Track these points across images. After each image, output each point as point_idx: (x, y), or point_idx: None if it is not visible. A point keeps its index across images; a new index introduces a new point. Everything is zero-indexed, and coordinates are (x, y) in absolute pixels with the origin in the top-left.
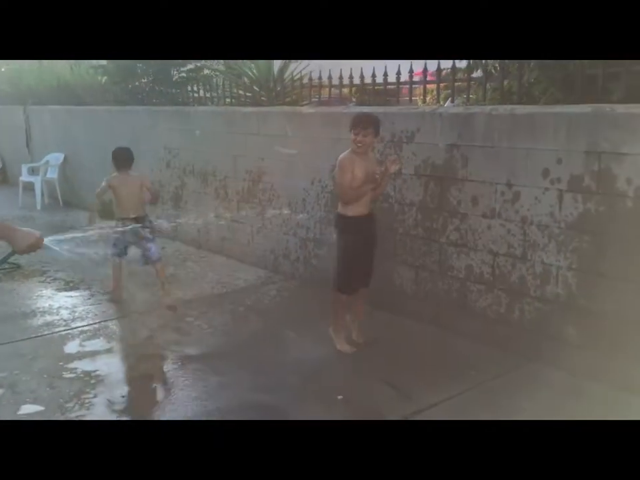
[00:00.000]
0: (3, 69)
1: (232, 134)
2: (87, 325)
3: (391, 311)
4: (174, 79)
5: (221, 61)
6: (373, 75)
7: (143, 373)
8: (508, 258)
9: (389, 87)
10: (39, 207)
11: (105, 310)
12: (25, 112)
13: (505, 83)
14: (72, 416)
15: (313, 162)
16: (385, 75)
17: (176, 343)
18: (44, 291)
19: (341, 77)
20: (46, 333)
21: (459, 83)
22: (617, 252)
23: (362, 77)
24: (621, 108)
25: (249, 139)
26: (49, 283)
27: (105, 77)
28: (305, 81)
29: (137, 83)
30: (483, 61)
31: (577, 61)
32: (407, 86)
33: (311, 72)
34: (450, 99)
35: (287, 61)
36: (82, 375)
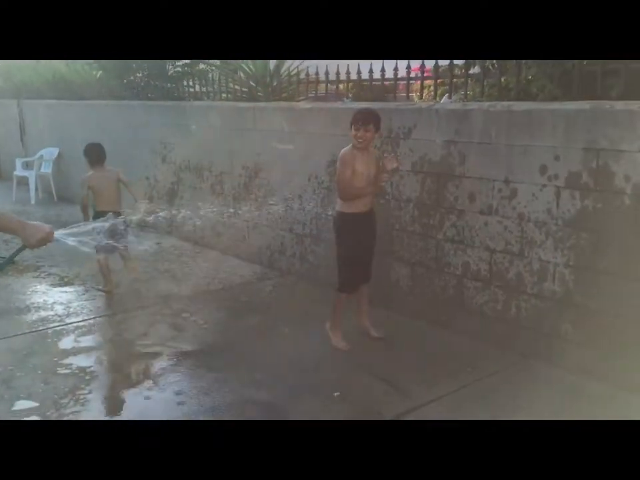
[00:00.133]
0: None
1: (228, 129)
2: (81, 321)
3: (386, 307)
4: (169, 74)
5: None
6: (370, 71)
7: (137, 369)
8: (505, 255)
9: (386, 82)
10: (33, 202)
11: (100, 306)
12: (19, 106)
13: (503, 79)
14: (67, 412)
15: (309, 157)
16: (382, 70)
17: (172, 338)
18: (38, 287)
19: (337, 73)
20: (40, 328)
21: (457, 80)
22: (614, 249)
23: (359, 72)
24: (619, 105)
25: (245, 134)
26: (44, 278)
27: (100, 72)
28: (302, 76)
29: (132, 78)
30: None
31: None
32: (403, 82)
33: (307, 67)
34: (447, 95)
35: None
36: (77, 371)
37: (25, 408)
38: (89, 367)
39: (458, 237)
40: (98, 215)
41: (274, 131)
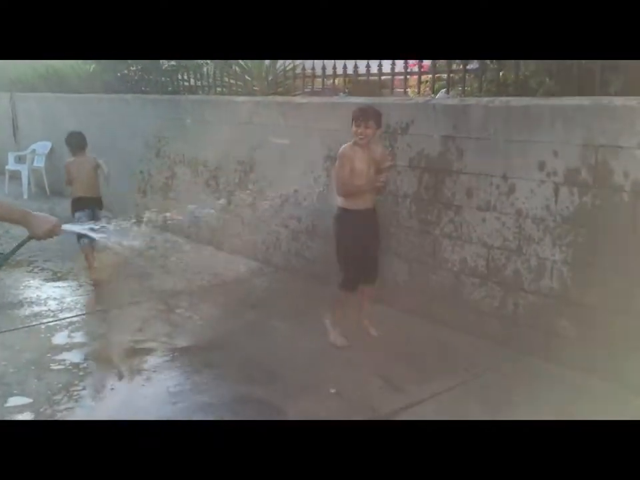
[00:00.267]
0: None
1: (223, 123)
2: (75, 316)
3: (383, 303)
4: (163, 67)
5: None
6: (367, 65)
7: (132, 365)
8: (502, 251)
9: (383, 77)
10: (25, 196)
11: (95, 300)
12: (12, 99)
13: (501, 74)
14: (60, 408)
15: (305, 152)
16: (380, 65)
17: (166, 334)
18: (31, 281)
19: (334, 67)
20: (34, 323)
21: (454, 75)
22: (612, 246)
23: (356, 67)
24: (618, 101)
25: (241, 129)
26: (37, 273)
27: (93, 65)
28: (298, 71)
29: (125, 71)
30: None
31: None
32: (399, 77)
33: (303, 62)
34: (443, 90)
35: None
36: (70, 367)
37: (18, 404)
38: (83, 362)
39: (455, 233)
40: (75, 201)
41: (270, 125)
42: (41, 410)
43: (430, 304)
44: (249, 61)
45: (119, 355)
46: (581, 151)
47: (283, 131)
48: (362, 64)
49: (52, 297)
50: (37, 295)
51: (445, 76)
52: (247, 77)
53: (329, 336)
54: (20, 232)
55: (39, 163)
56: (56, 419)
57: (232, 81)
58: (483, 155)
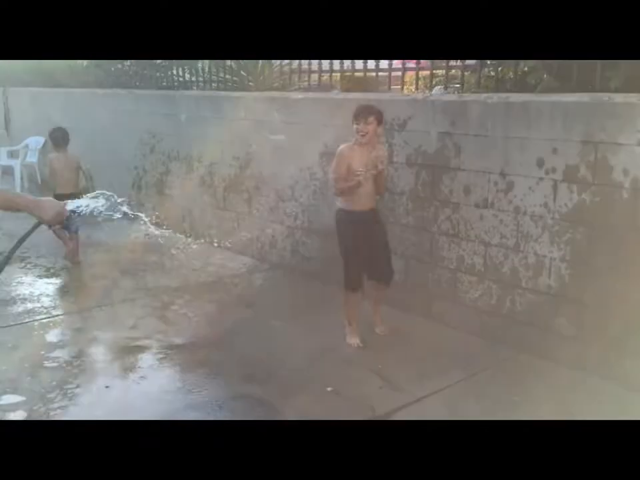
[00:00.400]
0: None
1: (218, 119)
2: (69, 313)
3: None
4: (157, 62)
5: None
6: (364, 61)
7: (127, 363)
8: (500, 249)
9: (380, 73)
10: (18, 191)
11: (88, 297)
12: (4, 94)
13: (499, 69)
14: (54, 406)
15: (301, 148)
16: (377, 61)
17: (161, 331)
18: (24, 278)
19: (331, 63)
20: (27, 320)
21: (451, 71)
22: (611, 244)
23: (353, 63)
24: (618, 97)
25: (236, 125)
26: (30, 269)
27: (87, 60)
28: (294, 66)
29: (119, 66)
30: None
31: None
32: (394, 73)
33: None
34: (440, 86)
35: None
36: (64, 365)
37: (11, 402)
38: (77, 360)
39: (452, 230)
40: (57, 197)
41: (265, 121)
42: (34, 408)
43: (427, 302)
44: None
45: (113, 352)
46: (581, 148)
47: (278, 127)
48: (358, 60)
49: (45, 293)
50: (30, 292)
51: (440, 72)
52: (242, 73)
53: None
54: (11, 226)
55: (32, 158)
56: (49, 417)
57: (227, 77)
58: (481, 152)
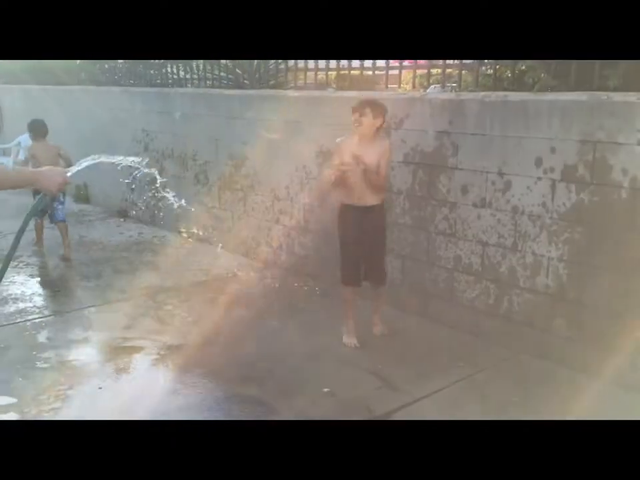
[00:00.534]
0: None
1: (213, 117)
2: (62, 313)
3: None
4: (151, 60)
5: None
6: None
7: (120, 364)
8: (498, 248)
9: (377, 72)
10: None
11: (81, 297)
12: None
13: (497, 67)
14: (46, 408)
15: (297, 147)
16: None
17: (155, 332)
18: (16, 277)
19: (327, 62)
20: (19, 320)
21: (448, 69)
22: (610, 244)
23: (350, 61)
24: (617, 96)
25: (231, 123)
26: (22, 268)
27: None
28: (290, 64)
29: (113, 64)
30: None
31: None
32: (391, 72)
33: None
34: (437, 85)
35: None
36: (57, 365)
37: (2, 404)
38: (70, 361)
39: (450, 229)
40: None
41: (260, 119)
42: (26, 410)
43: (424, 301)
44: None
45: (106, 353)
46: (579, 147)
47: (273, 125)
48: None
49: (37, 293)
50: (22, 291)
51: (435, 70)
52: (237, 71)
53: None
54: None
55: (24, 156)
56: (42, 419)
57: (222, 74)
58: (478, 151)
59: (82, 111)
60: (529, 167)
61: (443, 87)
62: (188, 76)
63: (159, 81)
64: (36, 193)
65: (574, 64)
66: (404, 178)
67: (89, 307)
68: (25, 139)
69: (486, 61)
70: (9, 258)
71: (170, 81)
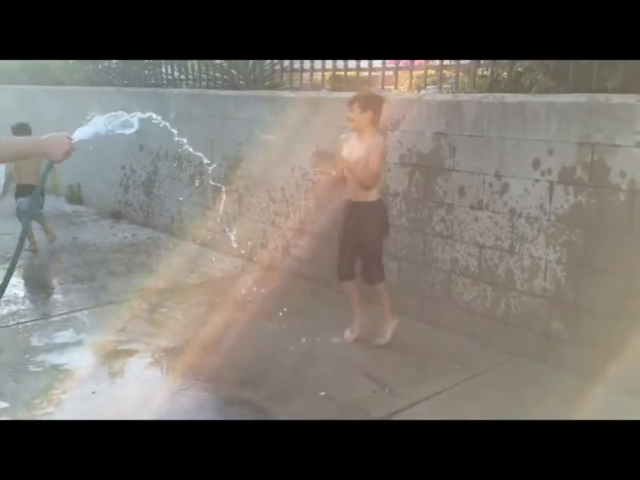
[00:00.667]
0: None
1: (208, 117)
2: (55, 315)
3: (372, 303)
4: (146, 60)
5: None
6: (358, 60)
7: (114, 367)
8: (495, 251)
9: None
10: (1, 190)
11: (74, 300)
12: None
13: (492, 69)
14: (39, 413)
15: (292, 148)
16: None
17: (149, 335)
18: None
19: (323, 63)
20: (11, 323)
21: (447, 72)
22: (608, 246)
23: (346, 62)
24: (616, 98)
25: (226, 124)
26: (15, 270)
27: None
28: (285, 65)
29: (107, 64)
30: None
31: None
32: (387, 72)
33: None
34: (433, 86)
35: None
36: (50, 369)
37: None
38: (63, 364)
39: (447, 231)
40: (20, 187)
41: (256, 120)
42: (19, 415)
43: (421, 304)
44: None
45: (100, 356)
46: (577, 149)
47: (269, 126)
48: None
49: (30, 295)
50: (14, 293)
51: (431, 71)
52: (232, 71)
53: None
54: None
55: None
56: (34, 419)
57: (217, 75)
58: (475, 153)
59: (76, 111)
60: (527, 169)
61: (440, 88)
62: (183, 76)
63: (153, 81)
64: (19, 195)
65: (572, 65)
66: (400, 179)
67: (82, 309)
68: None
69: (482, 62)
70: (12, 267)
71: (164, 82)
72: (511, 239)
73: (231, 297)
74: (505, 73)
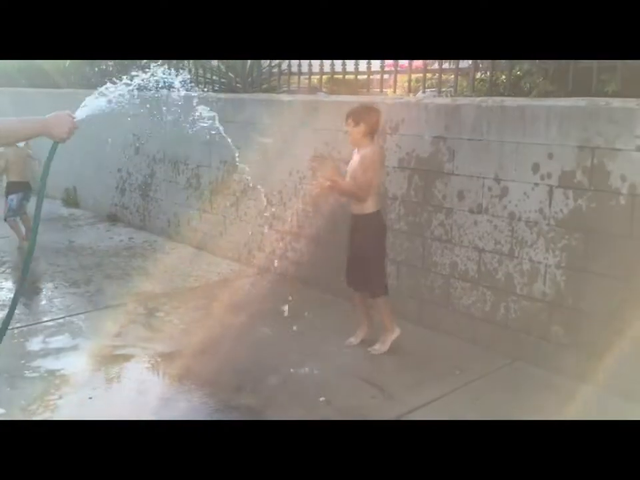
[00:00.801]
0: None
1: (205, 121)
2: (50, 320)
3: (371, 307)
4: (143, 62)
5: None
6: (356, 63)
7: (111, 373)
8: (494, 255)
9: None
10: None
11: (70, 304)
12: None
13: (492, 72)
14: (35, 419)
15: (290, 151)
16: (369, 63)
17: (146, 339)
18: (4, 283)
19: (321, 65)
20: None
21: (446, 75)
22: (608, 250)
23: (344, 65)
24: (616, 102)
25: (223, 127)
26: (9, 274)
27: (69, 60)
28: (283, 68)
29: (103, 66)
30: None
31: None
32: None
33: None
34: (432, 89)
35: None
36: (46, 374)
37: None
38: (59, 369)
39: (446, 235)
40: (10, 184)
41: (253, 123)
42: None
43: (420, 308)
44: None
45: (97, 362)
46: (577, 153)
47: (266, 129)
48: (350, 62)
49: (25, 299)
50: (10, 297)
51: (428, 75)
52: (229, 74)
53: None
54: None
55: None
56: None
57: (214, 78)
58: (475, 157)
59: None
60: (526, 173)
61: (439, 91)
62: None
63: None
64: (10, 193)
65: (572, 69)
66: (399, 183)
67: (79, 313)
68: None
69: (481, 65)
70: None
71: (161, 85)
72: (511, 243)
73: (227, 301)
74: (504, 77)
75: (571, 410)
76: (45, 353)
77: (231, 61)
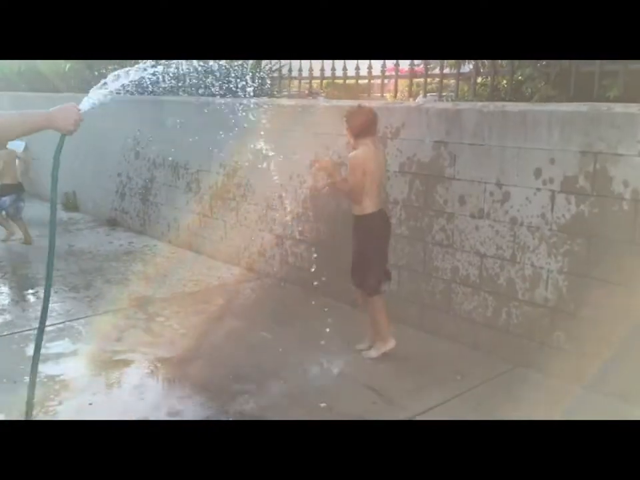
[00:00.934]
0: None
1: (205, 125)
2: (50, 325)
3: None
4: (143, 60)
5: None
6: (357, 68)
7: (111, 378)
8: (496, 260)
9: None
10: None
11: (70, 308)
12: None
13: (494, 77)
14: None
15: (290, 156)
16: (370, 67)
17: (146, 344)
18: (3, 288)
19: (322, 70)
20: (5, 333)
21: (447, 80)
22: (610, 256)
23: (345, 69)
24: (618, 107)
25: (223, 131)
26: (9, 279)
27: (69, 64)
28: (284, 72)
29: (103, 70)
30: None
31: None
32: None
33: (290, 63)
34: (433, 94)
35: None
36: (45, 380)
37: None
38: (59, 375)
39: (447, 240)
40: (2, 187)
41: (253, 127)
42: None
43: (421, 313)
44: (231, 61)
45: (97, 367)
46: (579, 158)
47: (267, 134)
48: (339, 66)
49: (25, 304)
50: (9, 302)
51: (429, 79)
52: (229, 78)
53: None
54: None
55: None
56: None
57: (214, 82)
58: (476, 161)
59: None
60: (528, 178)
61: (440, 96)
62: (179, 83)
63: (150, 89)
64: (2, 196)
65: (573, 74)
66: (400, 188)
67: (78, 318)
68: (13, 145)
69: (482, 70)
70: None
71: (160, 89)
72: (512, 248)
73: (228, 306)
74: (506, 82)
75: (573, 416)
76: (45, 358)
77: (230, 62)
